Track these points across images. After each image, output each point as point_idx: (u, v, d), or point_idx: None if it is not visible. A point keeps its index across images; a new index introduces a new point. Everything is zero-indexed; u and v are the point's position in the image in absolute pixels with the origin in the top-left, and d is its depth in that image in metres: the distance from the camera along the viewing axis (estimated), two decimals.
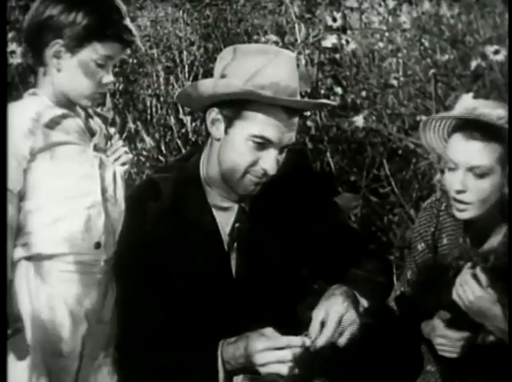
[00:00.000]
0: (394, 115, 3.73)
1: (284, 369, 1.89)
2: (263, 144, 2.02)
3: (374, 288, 2.12)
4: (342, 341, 1.95)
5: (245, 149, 2.03)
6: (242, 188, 2.08)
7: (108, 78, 1.98)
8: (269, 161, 2.03)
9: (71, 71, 1.95)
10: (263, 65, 2.01)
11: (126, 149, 2.09)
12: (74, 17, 1.92)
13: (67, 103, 1.99)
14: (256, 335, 1.93)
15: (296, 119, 2.07)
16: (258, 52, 2.06)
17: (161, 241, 2.06)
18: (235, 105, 2.02)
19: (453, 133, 2.18)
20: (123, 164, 2.06)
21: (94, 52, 1.94)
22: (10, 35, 3.43)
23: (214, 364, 1.95)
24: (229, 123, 2.04)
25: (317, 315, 1.95)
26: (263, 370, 1.91)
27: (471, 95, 2.23)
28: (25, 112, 1.94)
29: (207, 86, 2.05)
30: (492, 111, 2.13)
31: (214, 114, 2.06)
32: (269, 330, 1.93)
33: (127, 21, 1.98)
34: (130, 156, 2.10)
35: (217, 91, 2.02)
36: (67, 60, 1.95)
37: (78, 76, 1.96)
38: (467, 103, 2.19)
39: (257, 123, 2.01)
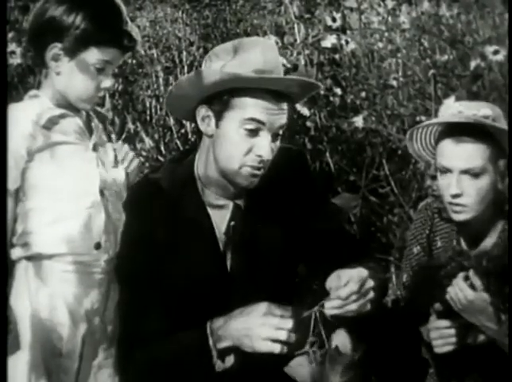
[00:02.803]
0: (394, 116, 3.73)
1: (277, 348, 1.90)
2: (255, 129, 2.02)
3: (375, 281, 2.12)
4: (363, 307, 1.93)
5: (238, 138, 2.03)
6: (241, 179, 2.07)
7: (107, 82, 1.98)
8: (263, 145, 2.03)
9: (69, 74, 1.95)
10: (249, 54, 2.03)
11: (133, 153, 2.09)
12: (73, 19, 1.91)
13: (68, 105, 1.99)
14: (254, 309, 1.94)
15: (285, 105, 2.06)
16: (232, 46, 2.06)
17: (157, 241, 2.06)
18: (222, 96, 2.02)
19: (441, 139, 2.20)
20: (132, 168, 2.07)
21: (92, 56, 1.94)
22: (10, 35, 3.43)
23: (205, 345, 1.96)
24: (219, 117, 2.04)
25: (332, 281, 1.95)
26: (258, 345, 1.91)
27: (452, 98, 2.25)
28: (25, 114, 1.94)
29: (191, 81, 2.05)
30: (477, 111, 2.15)
31: (203, 111, 2.07)
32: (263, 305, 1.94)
33: (128, 26, 1.97)
34: (138, 159, 2.11)
35: (204, 82, 2.01)
36: (66, 63, 1.95)
37: (76, 79, 1.96)
38: (451, 108, 2.21)
39: (246, 108, 2.02)
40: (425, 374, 2.31)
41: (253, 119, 2.02)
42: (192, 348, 2.00)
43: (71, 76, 1.96)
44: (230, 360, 1.99)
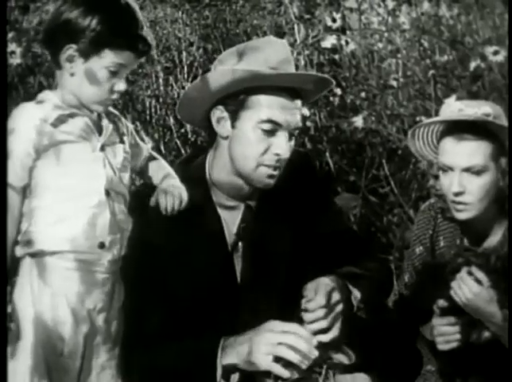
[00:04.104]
0: (394, 116, 3.74)
1: (285, 372, 1.88)
2: (272, 129, 2.03)
3: (369, 283, 2.12)
4: (333, 321, 1.95)
5: (254, 137, 2.03)
6: (258, 180, 2.07)
7: (121, 85, 1.98)
8: (281, 144, 2.03)
9: (81, 77, 1.96)
10: (259, 53, 2.04)
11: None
12: (89, 22, 1.92)
13: (80, 105, 2.00)
14: (260, 332, 1.92)
15: (298, 102, 2.07)
16: (236, 51, 2.08)
17: (165, 241, 2.06)
18: (238, 96, 2.03)
19: (443, 137, 2.21)
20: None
21: (106, 59, 1.94)
22: (10, 35, 3.43)
23: (213, 361, 1.95)
24: (235, 117, 2.05)
25: (310, 288, 1.97)
26: (267, 367, 1.90)
27: (453, 97, 2.26)
28: (35, 112, 1.95)
29: (200, 86, 2.06)
30: (478, 109, 2.16)
31: (218, 112, 2.07)
32: (273, 324, 1.92)
33: (143, 31, 1.97)
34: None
35: (216, 83, 2.02)
36: (80, 65, 1.95)
37: (86, 83, 1.96)
38: (451, 107, 2.22)
39: (262, 108, 2.02)
40: (419, 371, 2.33)
41: (269, 121, 2.02)
42: (199, 362, 1.99)
43: (83, 78, 1.97)
44: (234, 379, 1.98)
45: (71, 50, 1.93)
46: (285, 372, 1.88)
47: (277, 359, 1.89)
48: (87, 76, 1.95)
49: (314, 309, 1.94)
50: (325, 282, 1.98)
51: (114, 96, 2.00)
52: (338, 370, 1.96)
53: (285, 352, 1.87)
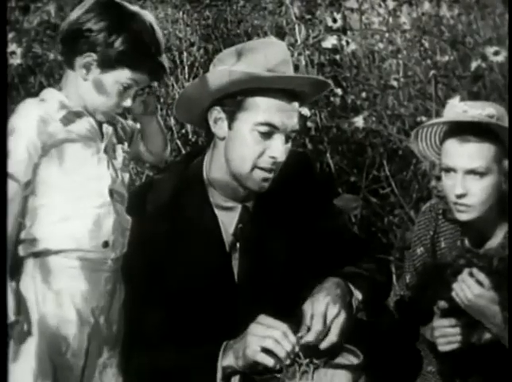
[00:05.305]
0: (394, 116, 3.73)
1: (270, 361, 1.88)
2: (269, 132, 2.02)
3: (370, 283, 2.12)
4: (332, 338, 1.95)
5: (251, 139, 2.03)
6: (252, 183, 2.07)
7: (128, 102, 2.01)
8: (277, 147, 2.03)
9: (91, 84, 1.97)
10: (258, 54, 2.04)
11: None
12: (112, 40, 1.95)
13: (84, 108, 2.01)
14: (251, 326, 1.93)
15: (296, 104, 2.07)
16: (235, 51, 2.08)
17: (163, 241, 2.06)
18: (236, 97, 2.03)
19: (446, 138, 2.20)
20: None
21: (123, 75, 1.98)
22: (10, 36, 3.44)
23: (213, 363, 1.95)
24: (232, 118, 2.04)
25: (307, 309, 1.98)
26: (252, 357, 1.90)
27: (457, 98, 2.25)
28: (39, 109, 1.95)
29: (198, 85, 2.07)
30: (482, 111, 2.15)
31: (216, 112, 2.07)
32: (261, 317, 1.93)
33: (163, 58, 2.02)
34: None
35: (214, 84, 2.02)
36: (95, 74, 1.97)
37: (94, 91, 1.98)
38: (455, 108, 2.21)
39: (260, 111, 2.02)
40: (418, 372, 2.32)
41: (266, 124, 2.02)
42: (200, 364, 1.98)
43: (93, 87, 1.98)
44: (235, 380, 1.97)
45: (89, 58, 1.96)
46: (270, 361, 1.88)
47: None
48: (95, 86, 1.97)
49: (317, 339, 1.95)
50: (319, 300, 1.98)
51: (119, 111, 2.03)
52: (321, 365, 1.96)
53: (271, 345, 1.88)
